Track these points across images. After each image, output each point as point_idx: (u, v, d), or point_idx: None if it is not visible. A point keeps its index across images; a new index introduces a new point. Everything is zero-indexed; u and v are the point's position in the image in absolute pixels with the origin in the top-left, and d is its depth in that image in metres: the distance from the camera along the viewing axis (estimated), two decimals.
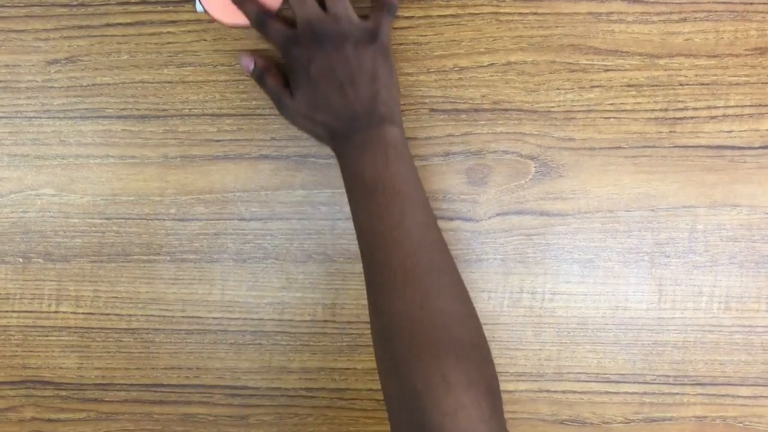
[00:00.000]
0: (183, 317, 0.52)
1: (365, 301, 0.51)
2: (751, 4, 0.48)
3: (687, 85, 0.49)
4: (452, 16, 0.49)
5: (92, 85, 0.51)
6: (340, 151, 0.44)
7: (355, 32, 0.44)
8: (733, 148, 0.49)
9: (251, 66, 0.47)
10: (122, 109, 0.51)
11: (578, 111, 0.49)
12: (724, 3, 0.48)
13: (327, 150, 0.50)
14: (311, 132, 0.47)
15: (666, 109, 0.49)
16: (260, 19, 0.46)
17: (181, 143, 0.51)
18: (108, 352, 0.52)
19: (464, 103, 0.50)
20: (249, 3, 0.46)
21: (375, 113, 0.43)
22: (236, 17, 0.47)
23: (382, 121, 0.43)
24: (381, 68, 0.44)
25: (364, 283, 0.50)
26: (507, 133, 0.50)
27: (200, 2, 0.47)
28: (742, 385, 0.51)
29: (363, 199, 0.42)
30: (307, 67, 0.43)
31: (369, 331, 0.51)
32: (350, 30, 0.44)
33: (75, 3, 0.50)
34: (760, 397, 0.51)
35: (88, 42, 0.50)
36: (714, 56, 0.49)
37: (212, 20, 0.48)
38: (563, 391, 0.51)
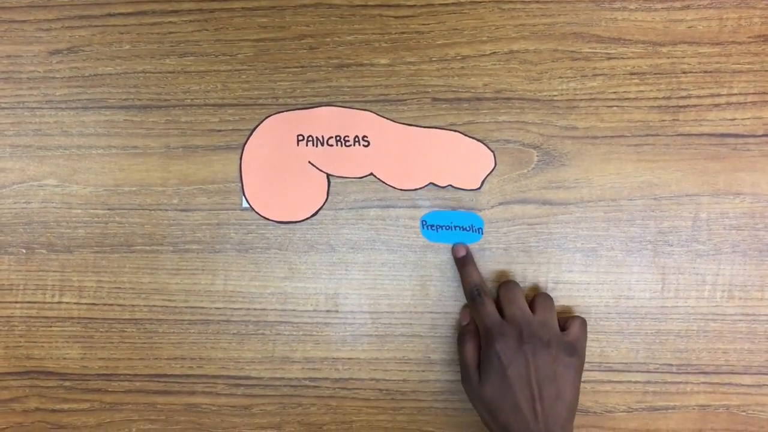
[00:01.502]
0: (186, 307, 0.52)
1: (368, 291, 0.51)
2: None
3: (690, 73, 0.49)
4: (454, 4, 0.49)
5: (94, 75, 0.51)
6: None
7: (558, 344, 0.45)
8: (736, 135, 0.49)
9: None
10: (124, 100, 0.51)
11: (581, 99, 0.49)
12: None
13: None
14: (484, 419, 0.46)
15: (669, 97, 0.49)
16: (476, 294, 0.48)
17: (183, 133, 0.51)
18: (111, 342, 0.53)
19: (466, 92, 0.50)
20: (474, 273, 0.49)
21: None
22: (282, 214, 0.49)
23: None
24: (569, 385, 0.44)
25: (366, 272, 0.50)
26: (509, 122, 0.50)
27: (246, 199, 0.49)
28: (745, 373, 0.51)
29: None
30: (506, 366, 0.44)
31: (372, 321, 0.51)
32: (554, 340, 0.45)
33: None
34: (763, 385, 0.51)
35: (90, 32, 0.50)
36: (717, 44, 0.49)
37: (261, 217, 0.50)
38: None
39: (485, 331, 0.46)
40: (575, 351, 0.45)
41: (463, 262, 0.49)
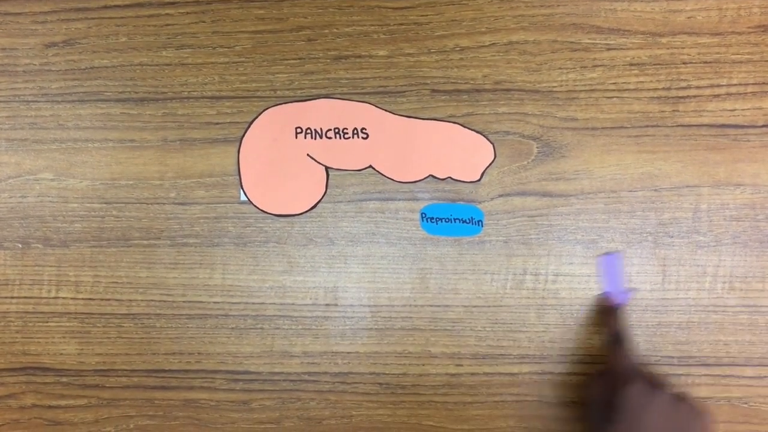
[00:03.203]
0: (184, 302, 0.52)
1: (367, 285, 0.51)
2: None
3: (690, 63, 0.49)
4: None
5: (90, 68, 0.50)
6: None
7: (691, 402, 0.44)
8: (736, 126, 0.49)
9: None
10: (121, 92, 0.50)
11: (581, 91, 0.49)
12: None
13: None
14: None
15: (669, 88, 0.49)
16: (621, 338, 0.47)
17: (180, 126, 0.50)
18: (108, 337, 0.52)
19: (465, 83, 0.49)
20: (617, 318, 0.48)
21: None
22: (281, 207, 0.48)
23: None
24: None
25: (365, 266, 0.50)
26: (509, 113, 0.49)
27: (244, 192, 0.48)
28: (746, 365, 0.50)
29: None
30: (642, 411, 0.43)
31: (371, 315, 0.51)
32: (687, 397, 0.44)
33: None
34: (765, 377, 0.50)
35: (86, 24, 0.50)
36: (717, 34, 0.48)
37: (259, 210, 0.49)
38: (567, 373, 0.51)
39: (628, 371, 0.45)
40: (707, 412, 0.44)
41: (611, 311, 0.49)
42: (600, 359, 0.50)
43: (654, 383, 0.44)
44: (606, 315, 0.50)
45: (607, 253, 0.49)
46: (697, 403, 0.44)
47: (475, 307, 0.51)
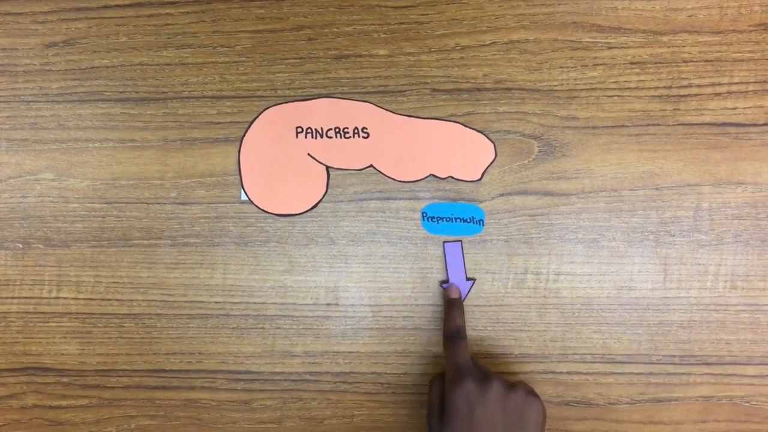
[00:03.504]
0: (185, 302, 0.52)
1: (368, 284, 0.50)
2: None
3: (691, 62, 0.49)
4: None
5: (90, 68, 0.50)
6: None
7: (524, 387, 0.44)
8: (737, 125, 0.49)
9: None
10: (121, 92, 0.50)
11: (581, 89, 0.49)
12: None
13: None
14: None
15: (670, 87, 0.49)
16: (456, 335, 0.47)
17: (181, 126, 0.50)
18: (109, 337, 0.52)
19: (466, 82, 0.49)
20: (460, 317, 0.48)
21: None
22: (281, 207, 0.48)
23: None
24: (535, 428, 0.43)
25: (366, 265, 0.50)
26: (509, 112, 0.49)
27: (245, 192, 0.48)
28: (748, 364, 0.50)
29: None
30: (474, 406, 0.42)
31: (372, 314, 0.51)
32: (520, 384, 0.45)
33: None
34: (767, 376, 0.50)
35: (86, 24, 0.50)
36: (718, 32, 0.48)
37: (260, 210, 0.49)
38: (568, 372, 0.51)
39: (456, 370, 0.44)
40: (538, 396, 0.44)
41: (455, 304, 0.49)
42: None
43: (484, 376, 0.44)
44: (447, 310, 0.49)
45: (449, 241, 0.49)
46: (528, 390, 0.44)
47: (476, 306, 0.51)
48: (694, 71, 0.49)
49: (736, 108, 0.49)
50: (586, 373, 0.51)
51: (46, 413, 0.53)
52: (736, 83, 0.48)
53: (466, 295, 0.50)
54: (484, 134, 0.50)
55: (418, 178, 0.50)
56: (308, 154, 0.50)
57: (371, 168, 0.50)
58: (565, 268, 0.50)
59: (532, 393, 0.44)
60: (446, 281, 0.50)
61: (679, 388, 0.51)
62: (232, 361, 0.52)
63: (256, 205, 0.50)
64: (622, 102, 0.49)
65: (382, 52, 0.49)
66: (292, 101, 0.50)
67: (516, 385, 0.44)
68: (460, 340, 0.47)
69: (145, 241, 0.51)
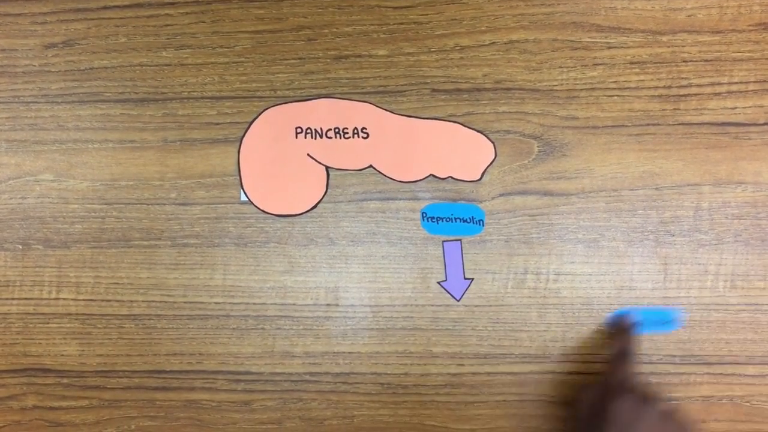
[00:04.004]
0: (185, 302, 0.51)
1: (368, 285, 0.50)
2: None
3: (690, 61, 0.49)
4: None
5: (90, 68, 0.50)
6: None
7: (679, 417, 0.44)
8: (737, 124, 0.49)
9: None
10: (120, 93, 0.50)
11: (581, 89, 0.49)
12: None
13: None
14: None
15: (670, 86, 0.49)
16: (628, 355, 0.47)
17: (180, 127, 0.50)
18: (109, 338, 0.52)
19: (466, 82, 0.49)
20: (629, 339, 0.48)
21: None
22: (281, 207, 0.48)
23: None
24: None
25: (366, 265, 0.50)
26: (509, 112, 0.49)
27: (245, 192, 0.48)
28: (748, 364, 0.50)
29: None
30: (630, 424, 0.43)
31: (372, 315, 0.51)
32: (676, 412, 0.45)
33: None
34: (767, 375, 0.50)
35: (86, 25, 0.50)
36: (717, 32, 0.48)
37: (260, 210, 0.49)
38: (569, 373, 0.51)
39: (619, 383, 0.45)
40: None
41: (625, 329, 0.49)
42: (599, 360, 0.50)
43: (645, 397, 0.44)
44: (619, 331, 0.49)
45: (448, 240, 0.49)
46: (685, 419, 0.44)
47: (476, 306, 0.51)
48: (693, 71, 0.49)
49: (735, 108, 0.49)
50: (586, 374, 0.51)
51: (46, 414, 0.53)
52: (736, 83, 0.48)
53: (463, 295, 0.50)
54: (484, 134, 0.50)
55: (418, 179, 0.50)
56: (308, 155, 0.50)
57: (371, 168, 0.50)
58: (565, 268, 0.50)
59: (689, 423, 0.44)
60: (445, 280, 0.50)
61: (679, 388, 0.51)
62: (232, 362, 0.52)
63: (255, 206, 0.50)
64: (621, 102, 0.49)
65: (381, 52, 0.49)
66: (291, 102, 0.50)
67: (676, 412, 0.44)
68: (630, 360, 0.47)
69: (145, 242, 0.51)
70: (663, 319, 0.50)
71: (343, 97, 0.50)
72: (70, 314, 0.52)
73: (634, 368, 0.47)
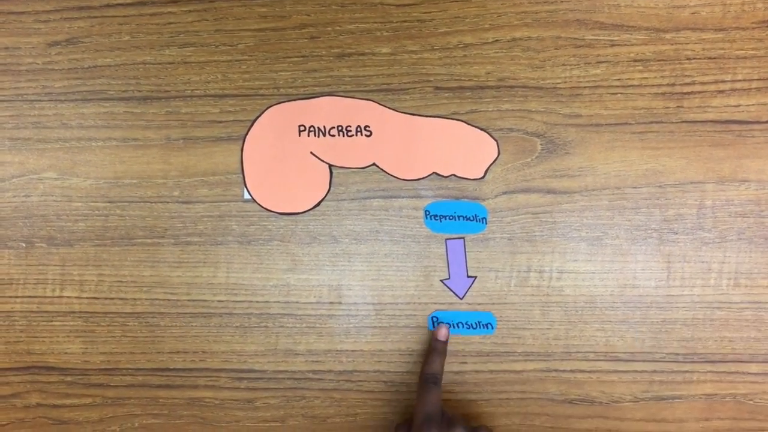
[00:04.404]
0: (188, 300, 0.52)
1: (371, 282, 0.50)
2: None
3: (694, 59, 0.48)
4: None
5: (93, 66, 0.50)
6: None
7: None
8: (741, 122, 0.49)
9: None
10: (124, 91, 0.50)
11: (584, 87, 0.49)
12: None
13: None
14: None
15: (673, 84, 0.49)
16: (431, 381, 0.47)
17: (183, 125, 0.50)
18: (113, 336, 0.52)
19: (469, 80, 0.49)
20: (440, 362, 0.48)
21: None
22: (284, 205, 0.48)
23: None
24: None
25: (369, 263, 0.50)
26: (512, 110, 0.49)
27: (248, 190, 0.48)
28: (751, 362, 0.50)
29: None
30: None
31: (375, 313, 0.51)
32: None
33: None
34: None
35: (89, 23, 0.50)
36: (721, 29, 0.48)
37: (263, 209, 0.49)
38: (572, 371, 0.51)
39: (424, 417, 0.45)
40: None
41: (438, 349, 0.49)
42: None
43: (448, 425, 0.44)
44: (429, 352, 0.49)
45: (451, 238, 0.49)
46: None
47: (479, 304, 0.51)
48: (697, 68, 0.48)
49: (739, 105, 0.49)
50: (589, 371, 0.51)
51: (49, 412, 0.53)
52: (740, 80, 0.48)
53: (466, 293, 0.50)
54: (487, 132, 0.50)
55: (421, 177, 0.50)
56: (311, 153, 0.50)
57: (374, 166, 0.50)
58: (569, 266, 0.50)
59: None
60: (448, 278, 0.50)
61: (682, 386, 0.51)
62: (235, 360, 0.52)
63: (259, 204, 0.50)
64: (625, 99, 0.49)
65: (384, 50, 0.49)
66: (294, 100, 0.50)
67: (478, 430, 0.45)
68: (435, 387, 0.46)
69: (148, 240, 0.51)
70: (478, 323, 0.50)
71: (346, 95, 0.50)
72: (73, 312, 0.52)
73: (438, 395, 0.46)
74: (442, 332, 0.50)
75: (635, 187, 0.49)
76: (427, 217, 0.50)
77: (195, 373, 0.52)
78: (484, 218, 0.50)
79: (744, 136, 0.49)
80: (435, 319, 0.51)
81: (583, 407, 0.51)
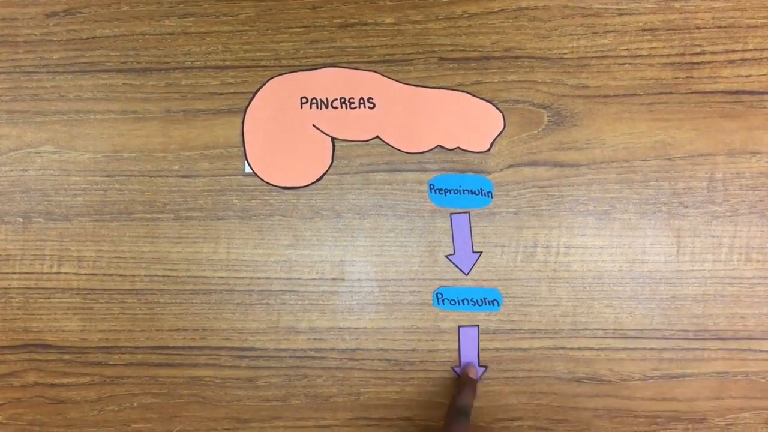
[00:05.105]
0: (188, 277, 0.51)
1: (375, 258, 0.50)
2: None
3: (704, 28, 0.48)
4: None
5: (92, 38, 0.49)
6: None
7: None
8: (752, 93, 0.48)
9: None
10: (123, 63, 0.50)
11: (592, 57, 0.48)
12: None
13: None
14: None
15: (683, 54, 0.48)
16: (463, 415, 0.46)
17: (183, 97, 0.49)
18: (111, 313, 0.51)
19: (474, 51, 0.48)
20: (471, 397, 0.47)
21: None
22: (286, 179, 0.47)
23: None
24: None
25: (372, 239, 0.49)
26: (518, 81, 0.48)
27: (249, 164, 0.47)
28: (764, 339, 0.49)
29: None
30: None
31: (379, 289, 0.50)
32: None
33: None
34: None
35: None
36: None
37: (264, 182, 0.48)
38: (579, 348, 0.50)
39: None
40: None
41: (471, 384, 0.48)
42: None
43: None
44: (461, 386, 0.48)
45: (456, 213, 0.48)
46: None
47: (484, 280, 0.50)
48: (707, 38, 0.48)
49: (750, 75, 0.48)
50: (597, 349, 0.50)
51: (47, 391, 0.52)
52: (751, 50, 0.47)
53: (471, 269, 0.49)
54: (493, 104, 0.49)
55: (426, 150, 0.49)
56: (313, 125, 0.49)
57: (377, 139, 0.49)
58: (576, 240, 0.49)
59: None
60: (453, 253, 0.49)
61: (693, 364, 0.50)
62: (236, 338, 0.51)
63: (260, 178, 0.49)
64: (633, 70, 0.48)
65: (388, 20, 0.48)
66: (296, 71, 0.49)
67: None
68: (465, 419, 0.46)
69: (148, 215, 0.50)
70: (483, 300, 0.49)
71: (349, 66, 0.49)
72: (71, 289, 0.51)
73: (467, 427, 0.45)
74: (473, 371, 0.49)
75: (644, 160, 0.48)
76: (431, 191, 0.49)
77: (195, 351, 0.51)
78: (490, 192, 0.49)
79: (755, 107, 0.48)
80: (440, 296, 0.50)
81: (591, 386, 0.50)
